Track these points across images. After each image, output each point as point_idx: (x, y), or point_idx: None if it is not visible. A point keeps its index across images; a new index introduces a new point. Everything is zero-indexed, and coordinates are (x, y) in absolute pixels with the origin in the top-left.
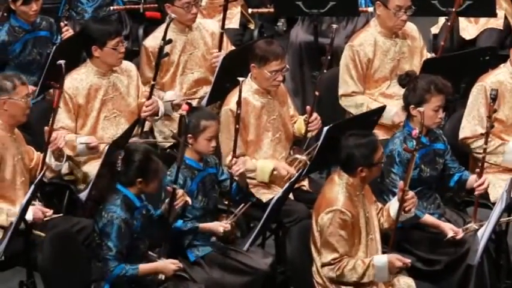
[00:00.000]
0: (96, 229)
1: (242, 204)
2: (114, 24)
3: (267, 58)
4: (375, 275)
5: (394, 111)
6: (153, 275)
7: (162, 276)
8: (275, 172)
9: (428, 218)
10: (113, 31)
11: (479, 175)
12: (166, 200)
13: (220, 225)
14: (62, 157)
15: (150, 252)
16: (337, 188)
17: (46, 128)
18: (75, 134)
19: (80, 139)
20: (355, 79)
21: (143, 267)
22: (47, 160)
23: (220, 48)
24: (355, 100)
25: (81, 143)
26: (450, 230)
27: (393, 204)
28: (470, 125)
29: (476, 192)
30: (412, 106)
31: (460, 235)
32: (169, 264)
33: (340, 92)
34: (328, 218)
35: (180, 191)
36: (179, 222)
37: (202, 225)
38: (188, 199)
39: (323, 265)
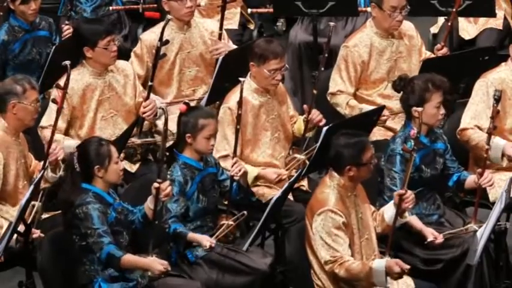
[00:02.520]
0: (75, 233)
1: (241, 213)
2: (104, 23)
3: (266, 57)
4: (374, 279)
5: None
6: (136, 269)
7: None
8: (262, 179)
9: (413, 220)
10: (102, 31)
11: (481, 174)
12: (150, 197)
13: (207, 240)
14: (58, 169)
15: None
16: (328, 190)
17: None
18: (63, 135)
19: (67, 143)
20: (344, 79)
21: (128, 257)
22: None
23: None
24: (338, 99)
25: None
26: (431, 234)
27: (387, 209)
28: (465, 117)
29: (484, 185)
30: (414, 108)
31: (440, 240)
32: (157, 264)
33: (329, 90)
34: (321, 219)
35: (166, 185)
36: (176, 225)
37: (190, 235)
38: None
39: (325, 263)
